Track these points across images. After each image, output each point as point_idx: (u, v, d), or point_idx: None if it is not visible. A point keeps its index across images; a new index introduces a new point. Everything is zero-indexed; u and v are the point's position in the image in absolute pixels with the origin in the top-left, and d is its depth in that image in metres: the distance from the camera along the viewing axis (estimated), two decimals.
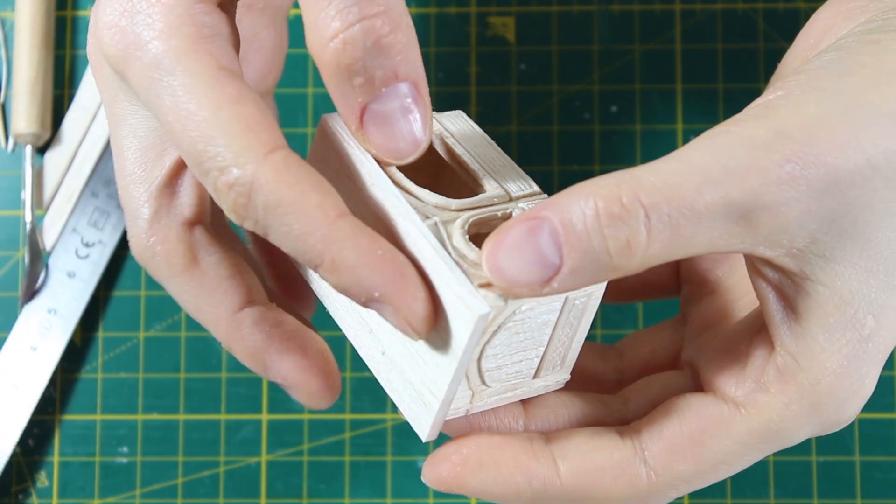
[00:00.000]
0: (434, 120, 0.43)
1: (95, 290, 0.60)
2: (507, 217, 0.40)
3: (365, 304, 0.37)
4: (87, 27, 0.62)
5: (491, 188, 0.41)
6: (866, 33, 0.39)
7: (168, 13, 0.38)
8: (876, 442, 0.58)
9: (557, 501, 0.39)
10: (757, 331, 0.41)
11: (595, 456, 0.39)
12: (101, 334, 0.60)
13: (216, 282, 0.42)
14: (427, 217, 0.39)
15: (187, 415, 0.59)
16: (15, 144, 0.61)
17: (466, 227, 0.39)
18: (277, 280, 0.48)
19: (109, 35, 0.39)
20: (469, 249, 0.38)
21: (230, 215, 0.37)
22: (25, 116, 0.60)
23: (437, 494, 0.58)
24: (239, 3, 0.41)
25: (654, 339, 0.47)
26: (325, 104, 0.61)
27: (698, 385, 0.43)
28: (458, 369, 0.38)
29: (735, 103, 0.60)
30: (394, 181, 0.39)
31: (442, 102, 0.60)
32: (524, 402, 0.42)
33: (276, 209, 0.36)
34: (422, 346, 0.39)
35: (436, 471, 0.40)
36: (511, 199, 0.41)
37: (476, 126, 0.43)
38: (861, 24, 0.40)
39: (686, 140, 0.60)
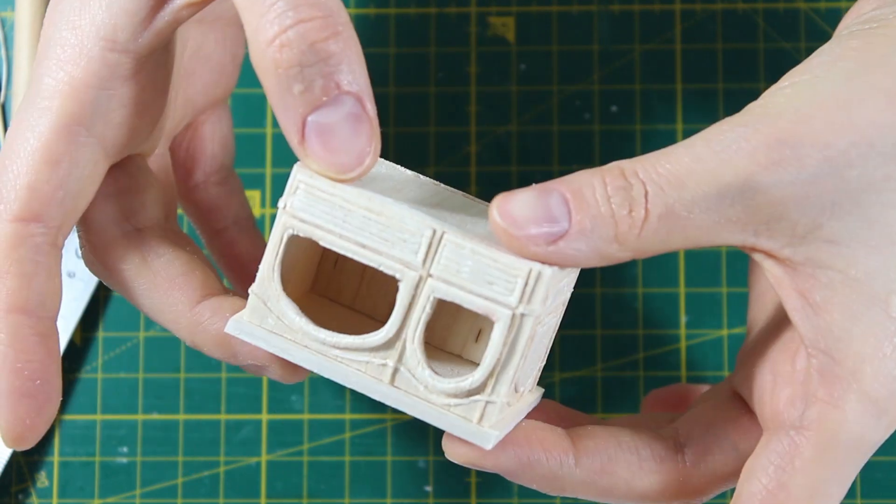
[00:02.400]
0: (290, 217, 0.39)
1: (95, 290, 0.60)
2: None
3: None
4: None
5: (398, 273, 0.38)
6: (858, 24, 0.40)
7: (81, 41, 0.39)
8: None
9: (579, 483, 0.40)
10: (795, 345, 0.40)
11: None
12: (101, 334, 0.60)
13: (169, 281, 0.42)
14: (383, 365, 0.39)
15: (187, 415, 0.59)
16: None
17: (420, 348, 0.38)
18: (240, 285, 0.49)
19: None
20: (434, 379, 0.38)
21: None
22: None
23: (438, 494, 0.58)
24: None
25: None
26: None
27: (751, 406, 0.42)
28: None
29: (735, 103, 0.60)
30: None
31: (442, 102, 0.60)
32: (571, 436, 0.42)
33: None
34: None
35: (455, 446, 0.40)
36: (419, 266, 0.38)
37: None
38: (857, 17, 0.40)
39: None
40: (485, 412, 0.38)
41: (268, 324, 0.39)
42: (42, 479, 0.59)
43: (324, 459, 0.59)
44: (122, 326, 0.60)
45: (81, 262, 0.59)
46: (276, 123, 0.60)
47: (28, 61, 0.60)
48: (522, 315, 0.37)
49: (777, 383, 0.40)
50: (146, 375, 0.59)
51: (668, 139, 0.60)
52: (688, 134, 0.60)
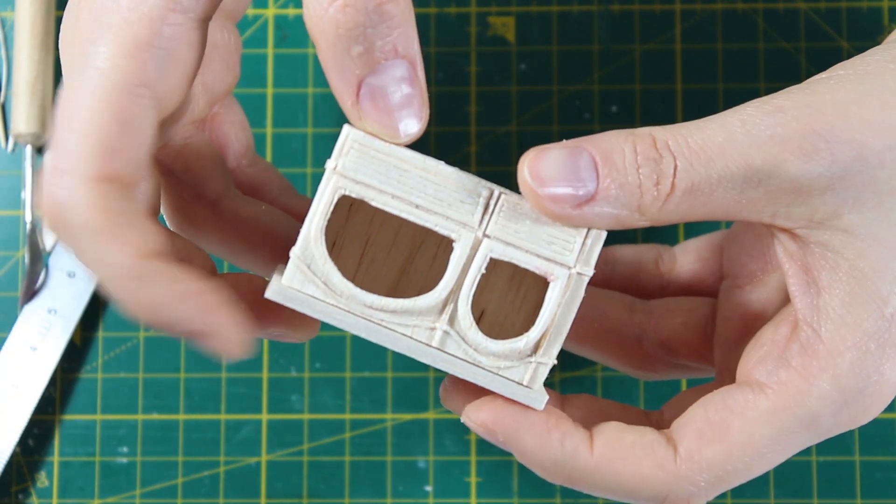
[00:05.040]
0: (340, 177, 0.38)
1: (95, 290, 0.60)
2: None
3: (179, 337, 0.37)
4: None
5: (454, 234, 0.38)
6: None
7: (137, 5, 0.37)
8: (876, 442, 0.58)
9: (585, 473, 0.39)
10: (784, 317, 0.41)
11: (627, 434, 0.39)
12: (101, 334, 0.60)
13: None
14: (432, 329, 0.38)
15: (187, 415, 0.59)
16: (15, 144, 0.61)
17: (471, 309, 0.38)
18: None
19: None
20: (487, 341, 0.38)
21: (45, 221, 0.37)
22: (25, 116, 0.60)
23: (438, 495, 0.58)
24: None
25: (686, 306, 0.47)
26: (326, 104, 0.61)
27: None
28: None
29: (735, 103, 0.60)
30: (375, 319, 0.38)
31: (442, 102, 0.60)
32: (563, 400, 0.43)
33: (88, 234, 0.36)
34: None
35: (478, 411, 0.39)
36: (475, 227, 0.38)
37: (374, 140, 0.38)
38: None
39: None
40: (536, 374, 0.38)
41: (310, 288, 0.38)
42: (42, 479, 0.59)
43: (324, 459, 0.59)
44: (122, 326, 0.60)
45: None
46: (276, 124, 0.60)
47: (28, 61, 0.60)
48: (579, 275, 0.38)
49: (755, 347, 0.41)
50: (146, 375, 0.59)
51: None
52: None
